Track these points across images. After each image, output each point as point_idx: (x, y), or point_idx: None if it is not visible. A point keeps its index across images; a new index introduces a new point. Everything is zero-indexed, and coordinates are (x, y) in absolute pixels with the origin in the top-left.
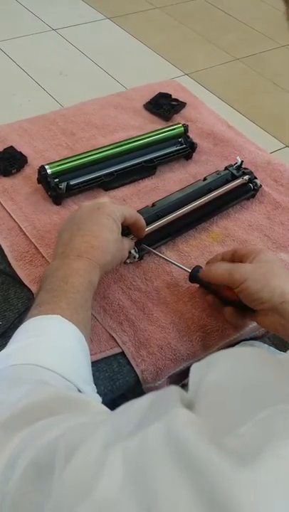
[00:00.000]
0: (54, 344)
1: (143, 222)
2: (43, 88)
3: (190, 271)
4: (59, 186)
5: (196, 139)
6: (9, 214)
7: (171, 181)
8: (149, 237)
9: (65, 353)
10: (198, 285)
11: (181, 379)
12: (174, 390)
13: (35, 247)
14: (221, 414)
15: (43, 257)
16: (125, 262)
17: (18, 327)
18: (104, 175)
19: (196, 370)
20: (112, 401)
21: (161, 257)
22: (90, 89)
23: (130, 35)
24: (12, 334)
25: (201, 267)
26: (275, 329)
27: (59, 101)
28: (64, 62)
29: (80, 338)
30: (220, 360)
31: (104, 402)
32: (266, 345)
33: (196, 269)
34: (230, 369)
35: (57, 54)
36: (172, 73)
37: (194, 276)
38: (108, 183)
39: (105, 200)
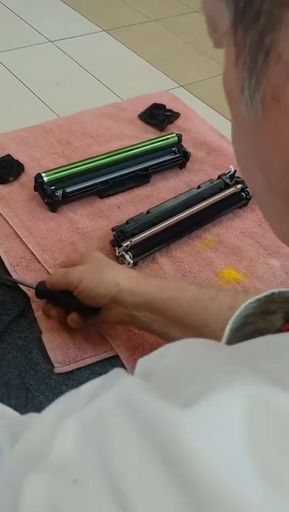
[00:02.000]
0: None
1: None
2: (39, 99)
3: (34, 287)
4: (55, 194)
5: (189, 149)
6: (6, 220)
7: (165, 189)
8: (143, 243)
9: None
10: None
11: None
12: (121, 370)
13: (32, 252)
14: (169, 385)
15: (39, 262)
16: None
17: (13, 331)
18: (100, 183)
19: (144, 361)
20: None
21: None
22: (86, 99)
23: (126, 47)
24: (8, 338)
25: (44, 282)
26: (122, 320)
27: (55, 111)
28: (60, 73)
29: None
30: (171, 348)
31: None
32: None
33: (42, 284)
34: (179, 353)
35: (53, 65)
36: (167, 85)
37: (39, 290)
38: (103, 191)
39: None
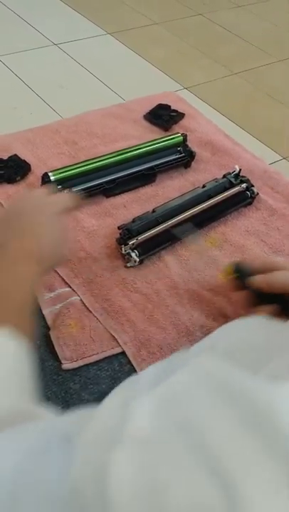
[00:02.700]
0: None
1: None
2: (44, 101)
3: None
4: (62, 193)
5: (194, 148)
6: None
7: (170, 188)
8: (149, 241)
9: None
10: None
11: None
12: (183, 352)
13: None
14: (245, 362)
15: None
16: (126, 266)
17: None
18: (106, 182)
19: (194, 348)
20: None
21: None
22: (90, 102)
23: (130, 49)
24: None
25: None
26: None
27: (60, 113)
28: (65, 75)
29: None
30: (232, 327)
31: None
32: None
33: (243, 266)
34: (246, 332)
35: (58, 68)
36: (172, 87)
37: (243, 272)
38: (109, 190)
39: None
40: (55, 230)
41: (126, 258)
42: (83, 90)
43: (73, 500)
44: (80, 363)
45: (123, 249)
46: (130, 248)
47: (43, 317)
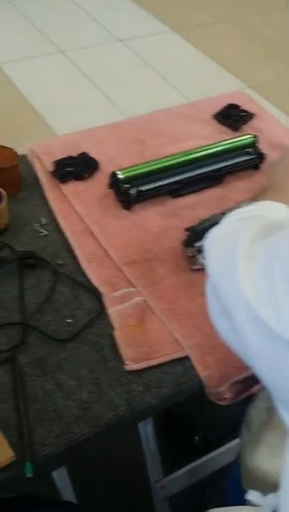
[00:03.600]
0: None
1: None
2: (106, 97)
3: None
4: (129, 192)
5: (264, 150)
6: (80, 217)
7: (237, 191)
8: None
9: None
10: None
11: (244, 386)
12: None
13: (104, 249)
14: None
15: (112, 259)
16: (192, 269)
17: (86, 325)
18: (173, 182)
19: None
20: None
21: None
22: (152, 99)
23: (194, 47)
24: (81, 333)
25: None
26: None
27: (122, 110)
28: (128, 72)
29: None
30: None
31: (166, 406)
32: None
33: None
34: None
35: (121, 64)
36: (235, 86)
37: None
38: (176, 191)
39: None
40: None
41: (192, 260)
42: (146, 87)
43: None
44: (144, 364)
45: (189, 251)
46: (196, 250)
47: (107, 316)
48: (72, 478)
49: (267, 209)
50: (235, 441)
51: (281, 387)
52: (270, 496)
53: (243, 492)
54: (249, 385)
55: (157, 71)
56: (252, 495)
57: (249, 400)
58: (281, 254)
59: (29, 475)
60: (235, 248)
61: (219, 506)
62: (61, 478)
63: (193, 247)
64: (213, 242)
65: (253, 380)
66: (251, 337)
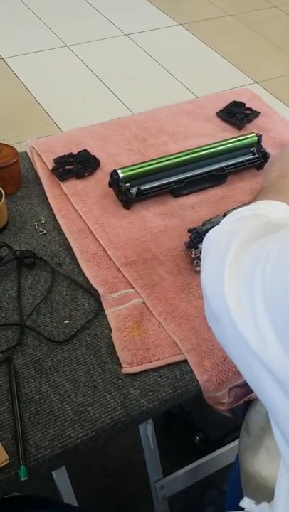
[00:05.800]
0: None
1: None
2: (112, 92)
3: None
4: (130, 191)
5: (268, 149)
6: (80, 216)
7: (241, 191)
8: None
9: None
10: None
11: (243, 390)
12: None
13: (104, 249)
14: None
15: (111, 259)
16: (195, 270)
17: (83, 327)
18: (174, 181)
19: None
20: (168, 413)
21: None
22: (159, 94)
23: (201, 41)
24: (78, 334)
25: None
26: None
27: (128, 105)
28: (134, 67)
29: None
30: None
31: (163, 410)
32: None
33: None
34: None
35: (128, 59)
36: (242, 81)
37: None
38: (177, 190)
39: None
40: None
41: (195, 262)
42: (152, 82)
43: None
44: (141, 367)
45: (193, 252)
46: (200, 252)
47: (105, 317)
48: (71, 479)
49: (267, 208)
50: (236, 441)
51: (261, 399)
52: (264, 505)
53: (242, 496)
54: (249, 389)
55: (163, 65)
56: (245, 502)
57: (249, 401)
58: (264, 261)
59: (23, 478)
60: (227, 250)
61: (219, 506)
62: (61, 478)
63: (197, 248)
64: (209, 242)
65: None
66: (232, 342)
